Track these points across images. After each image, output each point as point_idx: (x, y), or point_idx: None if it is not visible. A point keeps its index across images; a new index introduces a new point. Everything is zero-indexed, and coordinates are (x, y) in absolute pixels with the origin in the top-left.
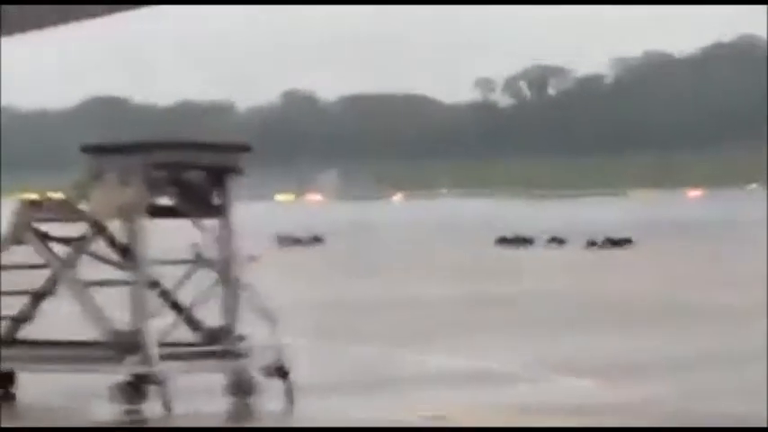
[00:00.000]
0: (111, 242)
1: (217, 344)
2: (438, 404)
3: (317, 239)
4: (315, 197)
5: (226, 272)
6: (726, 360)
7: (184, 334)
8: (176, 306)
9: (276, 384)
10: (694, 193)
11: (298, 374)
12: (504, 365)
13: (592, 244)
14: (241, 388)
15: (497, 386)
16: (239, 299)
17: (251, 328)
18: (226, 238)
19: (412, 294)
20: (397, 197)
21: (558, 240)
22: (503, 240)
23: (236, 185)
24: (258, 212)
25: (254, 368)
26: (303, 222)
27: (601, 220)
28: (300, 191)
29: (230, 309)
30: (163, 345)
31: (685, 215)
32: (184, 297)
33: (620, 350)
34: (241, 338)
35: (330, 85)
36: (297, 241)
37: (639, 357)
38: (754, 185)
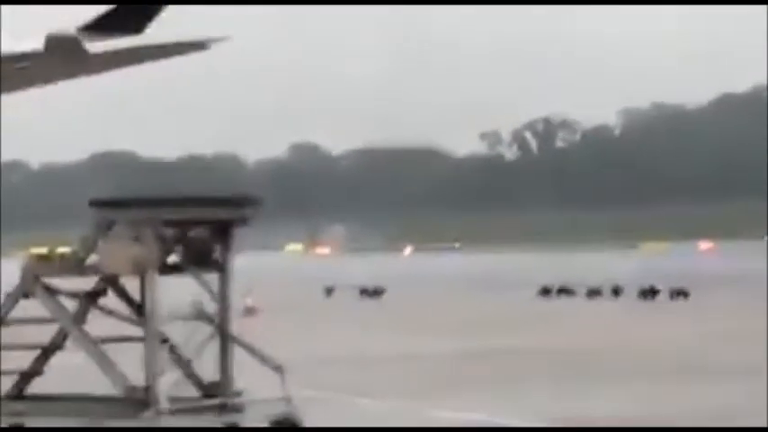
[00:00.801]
0: (123, 296)
1: (217, 398)
2: None
3: (377, 292)
4: (323, 249)
5: (224, 326)
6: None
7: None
8: (181, 361)
9: None
10: (706, 245)
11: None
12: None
13: (645, 294)
14: None
15: None
16: (233, 352)
17: (262, 381)
18: (224, 292)
19: (487, 347)
20: (407, 250)
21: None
22: (546, 291)
23: (244, 236)
24: (271, 262)
25: (260, 420)
26: (328, 275)
27: (625, 272)
28: (309, 243)
29: (228, 362)
30: (172, 399)
31: (706, 267)
32: (188, 352)
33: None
34: (238, 393)
35: (338, 138)
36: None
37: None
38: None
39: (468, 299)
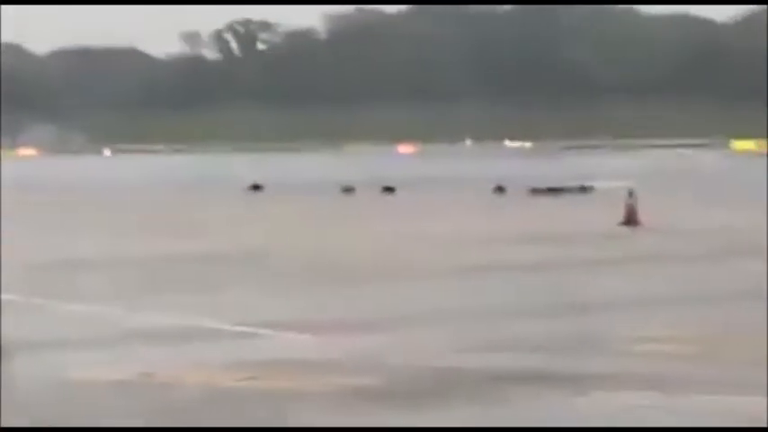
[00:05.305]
0: None
1: None
2: (148, 362)
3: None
4: (28, 151)
5: None
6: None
7: None
8: None
9: None
10: (405, 149)
11: (10, 331)
12: (227, 322)
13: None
14: None
15: (214, 342)
16: None
17: None
18: None
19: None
20: (107, 152)
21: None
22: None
23: None
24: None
25: None
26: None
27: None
28: (12, 145)
29: None
30: None
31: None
32: None
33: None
34: None
35: (41, 38)
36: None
37: (367, 314)
38: (468, 142)
39: (176, 201)
